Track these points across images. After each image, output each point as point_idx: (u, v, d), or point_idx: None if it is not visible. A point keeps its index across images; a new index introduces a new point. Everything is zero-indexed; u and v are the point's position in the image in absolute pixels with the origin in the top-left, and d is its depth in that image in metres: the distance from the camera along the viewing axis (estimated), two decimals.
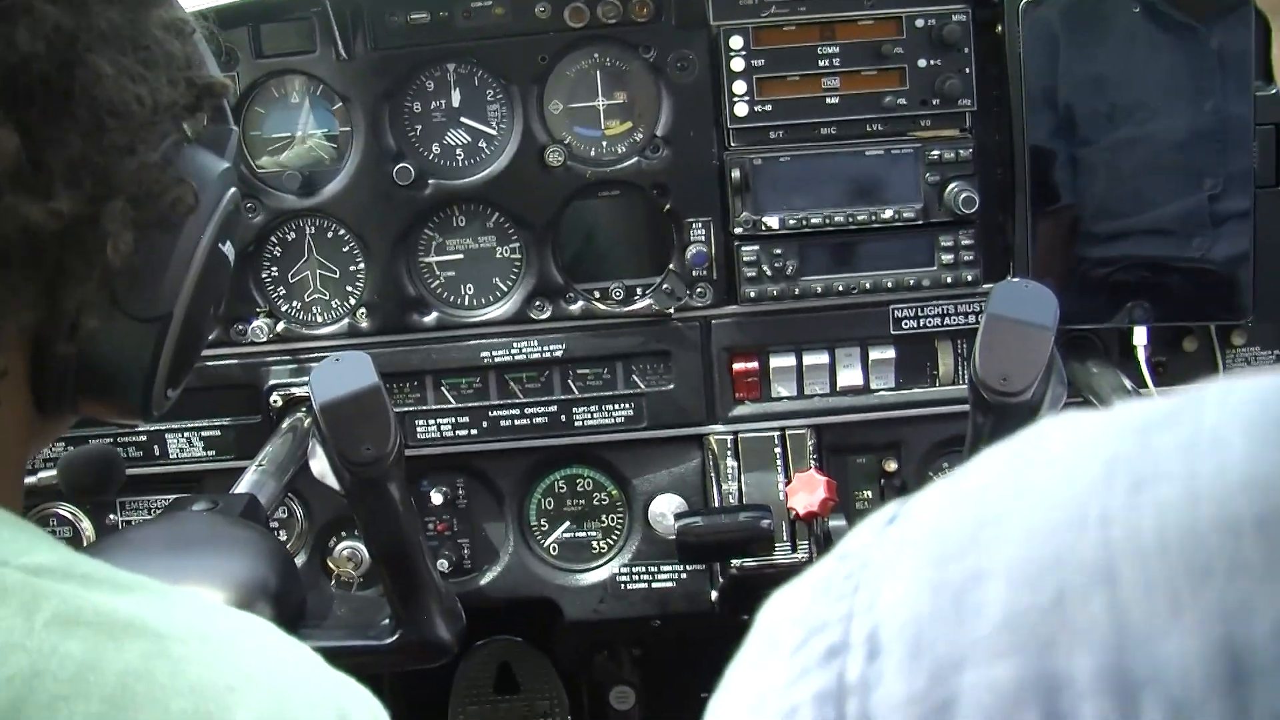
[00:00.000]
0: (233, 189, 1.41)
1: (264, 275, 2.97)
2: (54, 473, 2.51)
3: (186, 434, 2.97)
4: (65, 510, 3.04)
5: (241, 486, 2.55)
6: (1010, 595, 0.65)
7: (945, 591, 0.68)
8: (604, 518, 3.04)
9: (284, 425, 2.84)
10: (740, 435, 2.92)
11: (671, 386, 2.93)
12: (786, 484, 2.83)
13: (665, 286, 2.90)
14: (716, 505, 2.90)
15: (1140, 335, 2.77)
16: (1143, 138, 2.73)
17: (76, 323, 1.18)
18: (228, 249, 1.42)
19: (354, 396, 2.30)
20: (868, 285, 2.87)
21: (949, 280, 2.87)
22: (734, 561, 2.80)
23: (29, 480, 2.46)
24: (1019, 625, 0.64)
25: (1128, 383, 2.72)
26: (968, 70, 2.83)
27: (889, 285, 2.87)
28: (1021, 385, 2.27)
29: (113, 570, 1.11)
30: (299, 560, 2.98)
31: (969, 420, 2.40)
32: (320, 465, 2.41)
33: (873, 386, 2.93)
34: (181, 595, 1.14)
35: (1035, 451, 0.72)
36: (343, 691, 1.19)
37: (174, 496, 2.99)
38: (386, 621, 2.48)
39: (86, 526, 3.05)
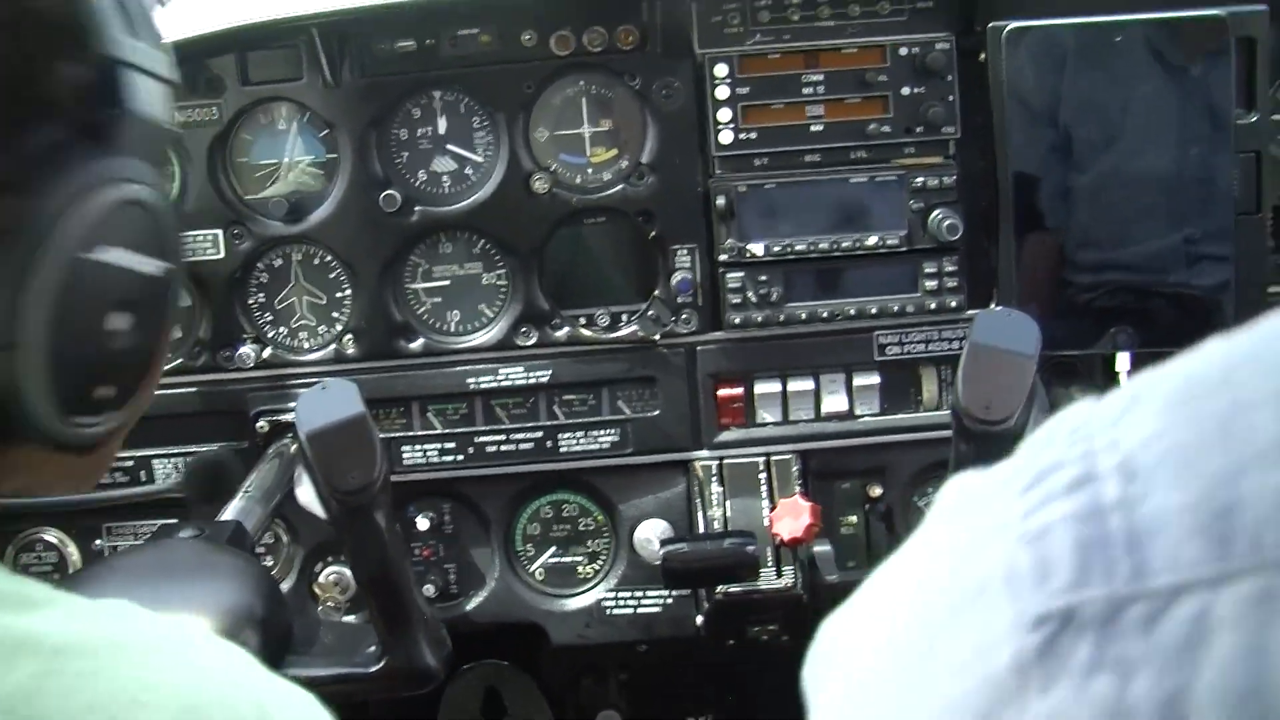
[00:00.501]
0: (125, 185, 1.24)
1: (250, 301, 2.99)
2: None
3: (172, 459, 2.98)
4: (51, 536, 3.06)
5: (228, 513, 2.56)
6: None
7: (1209, 421, 0.73)
8: (590, 543, 3.06)
9: (270, 451, 2.85)
10: (725, 461, 2.94)
11: (657, 412, 2.96)
12: (771, 510, 2.86)
13: (651, 313, 2.92)
14: (702, 531, 2.92)
15: (1123, 361, 2.79)
16: (1125, 168, 2.75)
17: None
18: (115, 256, 1.23)
19: (340, 425, 2.32)
20: (852, 312, 2.89)
21: (933, 306, 2.89)
22: (719, 587, 2.82)
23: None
24: None
25: None
26: (951, 98, 2.86)
27: (873, 312, 2.90)
28: (1004, 414, 2.30)
29: (23, 586, 1.06)
30: (285, 585, 3.01)
31: (951, 448, 2.43)
32: (306, 493, 2.44)
33: (857, 412, 2.96)
34: (102, 608, 1.10)
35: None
36: (269, 694, 1.15)
37: (159, 522, 3.02)
38: (372, 649, 2.49)
39: (72, 551, 3.07)
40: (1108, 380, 2.84)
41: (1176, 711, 0.67)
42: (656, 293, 2.94)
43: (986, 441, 2.34)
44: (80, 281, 1.18)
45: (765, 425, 2.95)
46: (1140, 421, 0.76)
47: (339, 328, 2.99)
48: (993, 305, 2.89)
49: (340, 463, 2.32)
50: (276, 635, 2.40)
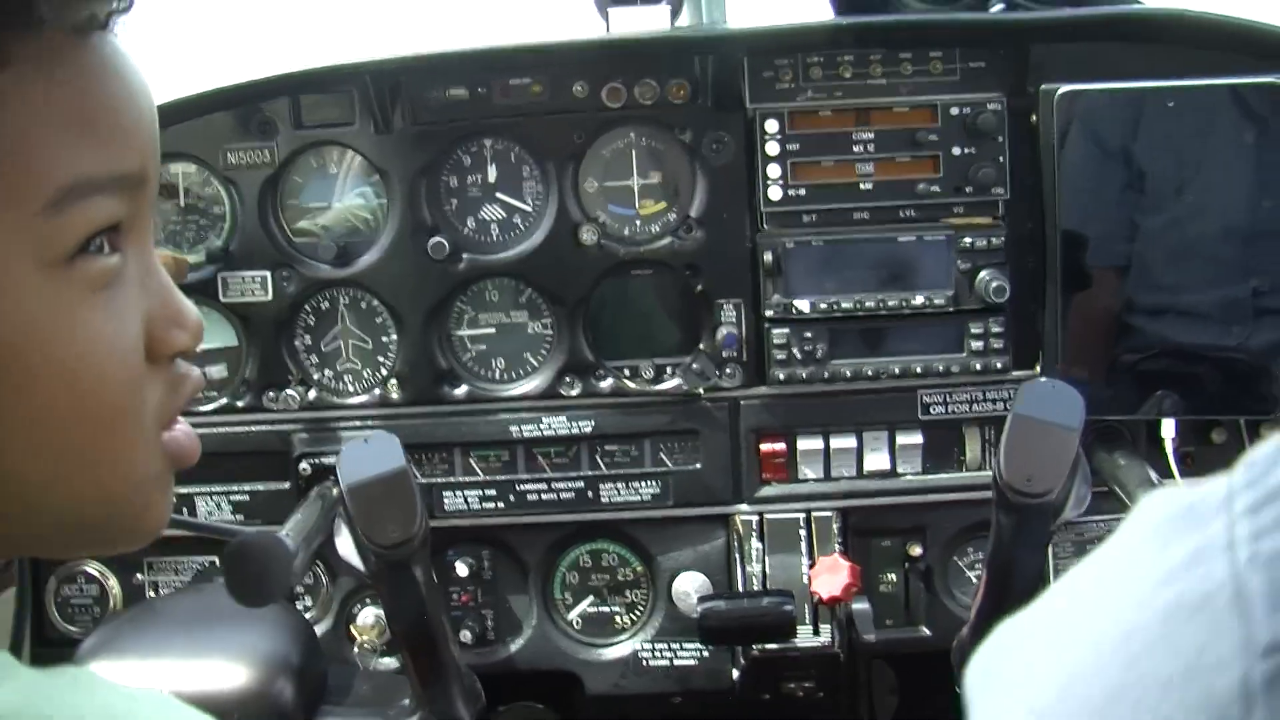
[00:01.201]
0: None
1: (297, 343, 3.03)
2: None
3: (215, 497, 3.02)
4: (93, 569, 3.09)
5: None
6: None
7: None
8: (628, 593, 3.08)
9: (312, 494, 2.88)
10: (766, 516, 2.95)
11: (699, 465, 2.97)
12: (811, 567, 2.88)
13: (695, 366, 2.95)
14: (740, 586, 2.93)
15: (1168, 427, 2.79)
16: (1176, 231, 2.75)
17: None
18: None
19: (381, 479, 2.35)
20: (897, 370, 2.91)
21: (978, 367, 2.90)
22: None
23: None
24: None
25: (1154, 475, 2.73)
26: (1001, 159, 2.87)
27: (918, 371, 2.91)
28: (1045, 487, 2.31)
29: None
30: (322, 627, 3.03)
31: (992, 519, 2.43)
32: (346, 545, 2.46)
33: (899, 471, 2.97)
34: (63, 681, 1.03)
35: None
36: None
37: (200, 558, 3.05)
38: (406, 701, 2.52)
39: (114, 584, 3.10)
40: (1152, 448, 2.84)
41: None
42: (701, 346, 2.97)
43: (1028, 514, 2.35)
44: None
45: (807, 481, 2.97)
46: None
47: (384, 372, 3.02)
48: (1038, 367, 2.90)
49: (380, 516, 2.35)
50: (311, 685, 2.43)
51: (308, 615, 3.00)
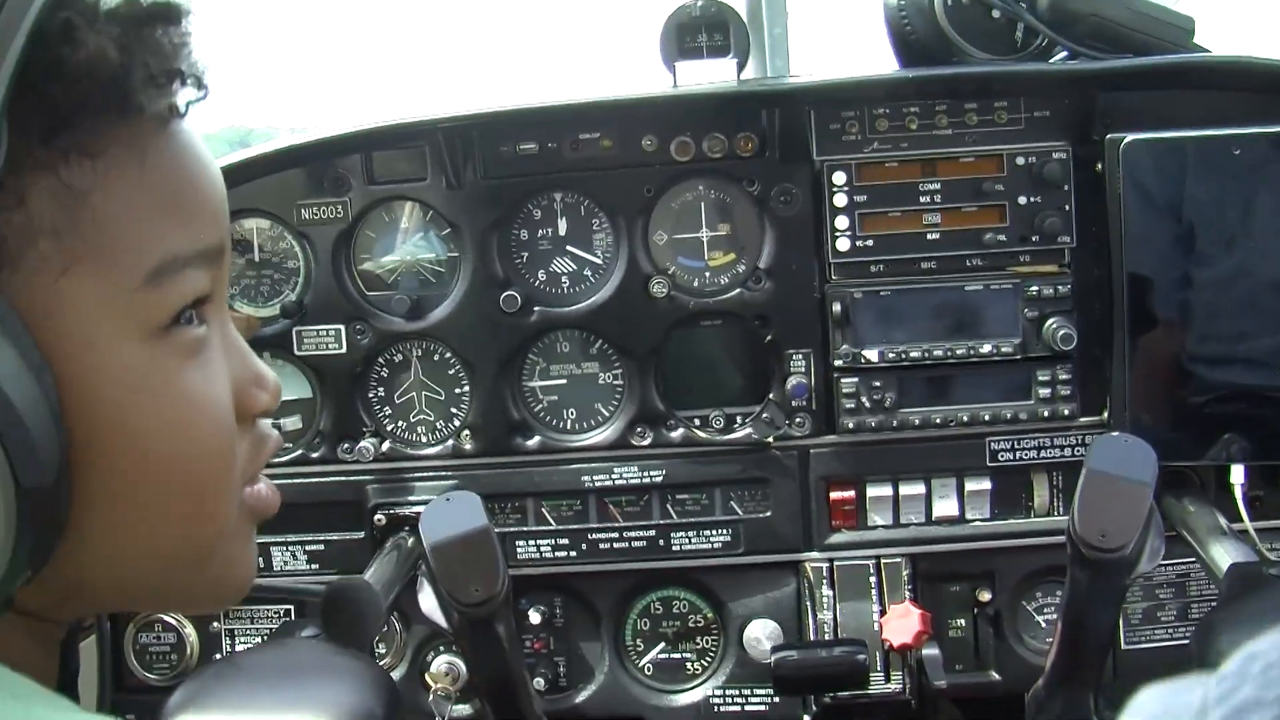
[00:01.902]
0: None
1: (371, 395, 3.09)
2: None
3: (290, 548, 3.08)
4: (171, 617, 3.15)
5: None
6: None
7: None
8: (699, 640, 3.12)
9: (388, 544, 2.94)
10: (836, 563, 2.99)
11: (769, 514, 3.02)
12: (881, 614, 2.92)
13: (765, 416, 2.99)
14: (812, 633, 2.98)
15: (1238, 473, 2.81)
16: (1243, 277, 2.77)
17: None
18: None
19: (464, 538, 2.40)
20: (965, 418, 2.94)
21: (1046, 414, 2.94)
22: None
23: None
24: None
25: (1223, 521, 2.76)
26: (1067, 208, 2.91)
27: (986, 418, 2.94)
28: (1120, 541, 2.34)
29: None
30: (397, 674, 3.09)
31: (1067, 575, 2.47)
32: (429, 603, 2.51)
33: (968, 517, 3.00)
34: None
35: None
36: None
37: (275, 608, 3.11)
38: None
39: (190, 633, 3.16)
40: (1221, 492, 2.86)
41: None
42: (771, 396, 3.01)
43: (1101, 568, 2.38)
44: None
45: (876, 528, 3.00)
46: None
47: (457, 423, 3.07)
48: (1105, 414, 2.93)
49: (463, 575, 2.40)
50: None
51: (382, 663, 3.06)
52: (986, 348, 2.92)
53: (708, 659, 3.12)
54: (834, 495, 3.00)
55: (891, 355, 2.92)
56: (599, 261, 3.03)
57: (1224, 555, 2.59)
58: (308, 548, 3.08)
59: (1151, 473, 2.35)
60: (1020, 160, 2.91)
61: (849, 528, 3.01)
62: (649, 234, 3.02)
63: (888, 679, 2.91)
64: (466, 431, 3.05)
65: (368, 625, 2.43)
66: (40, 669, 1.15)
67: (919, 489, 2.99)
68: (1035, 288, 2.91)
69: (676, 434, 3.03)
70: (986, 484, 2.99)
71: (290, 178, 3.01)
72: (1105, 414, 2.94)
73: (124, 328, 1.12)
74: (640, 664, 3.14)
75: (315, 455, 3.08)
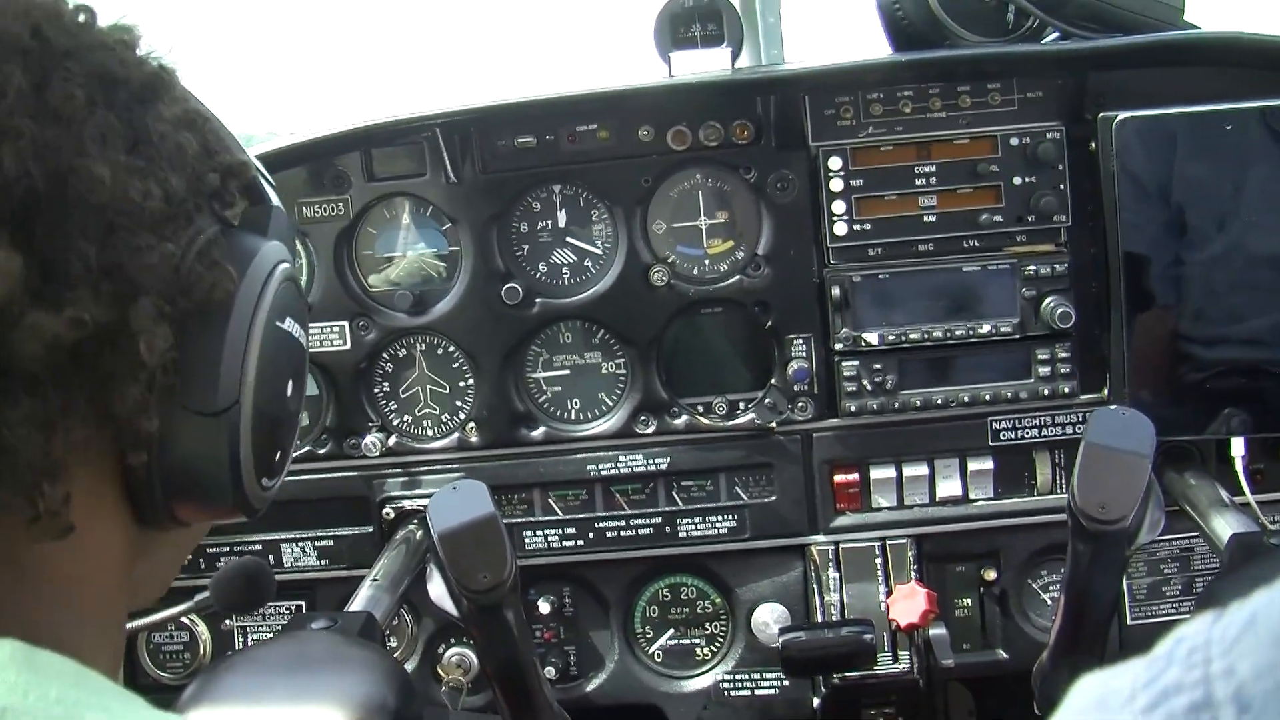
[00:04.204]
0: (283, 264, 1.39)
1: (376, 391, 3.15)
2: (207, 594, 2.60)
3: (300, 544, 3.14)
4: (183, 617, 3.19)
5: (357, 603, 2.68)
6: None
7: None
8: (707, 625, 3.18)
9: (397, 538, 2.99)
10: (841, 545, 3.05)
11: (774, 498, 3.08)
12: (887, 595, 2.98)
13: (767, 401, 3.05)
14: (819, 616, 3.04)
15: (1238, 445, 2.86)
16: (1238, 251, 2.82)
17: (137, 428, 1.18)
18: (290, 326, 1.40)
19: (471, 525, 2.45)
20: (966, 398, 3.01)
21: (1046, 392, 3.00)
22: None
23: (183, 606, 2.61)
24: None
25: (1224, 494, 2.81)
26: (1062, 187, 2.97)
27: (987, 398, 3.00)
28: (1119, 513, 2.39)
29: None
30: (410, 666, 3.15)
31: (1069, 547, 2.51)
32: (438, 590, 2.56)
33: (972, 497, 3.07)
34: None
35: None
36: None
37: (286, 604, 3.17)
38: None
39: (203, 631, 3.23)
40: (1222, 466, 2.92)
41: None
42: (773, 381, 3.07)
43: (1103, 541, 2.43)
44: (274, 348, 1.33)
45: (880, 510, 3.07)
46: (1255, 651, 0.83)
47: (462, 416, 3.14)
48: (1105, 390, 2.98)
49: (471, 563, 2.45)
50: None
51: (394, 655, 3.10)
52: (985, 328, 2.98)
53: (717, 644, 3.18)
54: (838, 478, 3.06)
55: (891, 338, 2.98)
56: (599, 252, 3.09)
57: (1225, 526, 2.64)
58: (317, 544, 3.13)
59: (1149, 444, 2.39)
60: (1014, 141, 2.97)
61: (853, 510, 3.07)
62: (648, 223, 3.08)
63: (895, 659, 2.96)
64: (472, 424, 3.11)
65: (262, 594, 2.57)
66: (108, 667, 1.24)
67: (922, 470, 3.05)
68: (1032, 267, 2.97)
69: (680, 421, 3.09)
70: (989, 463, 3.05)
71: (291, 177, 3.06)
72: (1105, 391, 2.99)
73: None
74: (650, 651, 3.20)
75: (323, 451, 3.14)
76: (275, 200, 1.47)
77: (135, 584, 1.33)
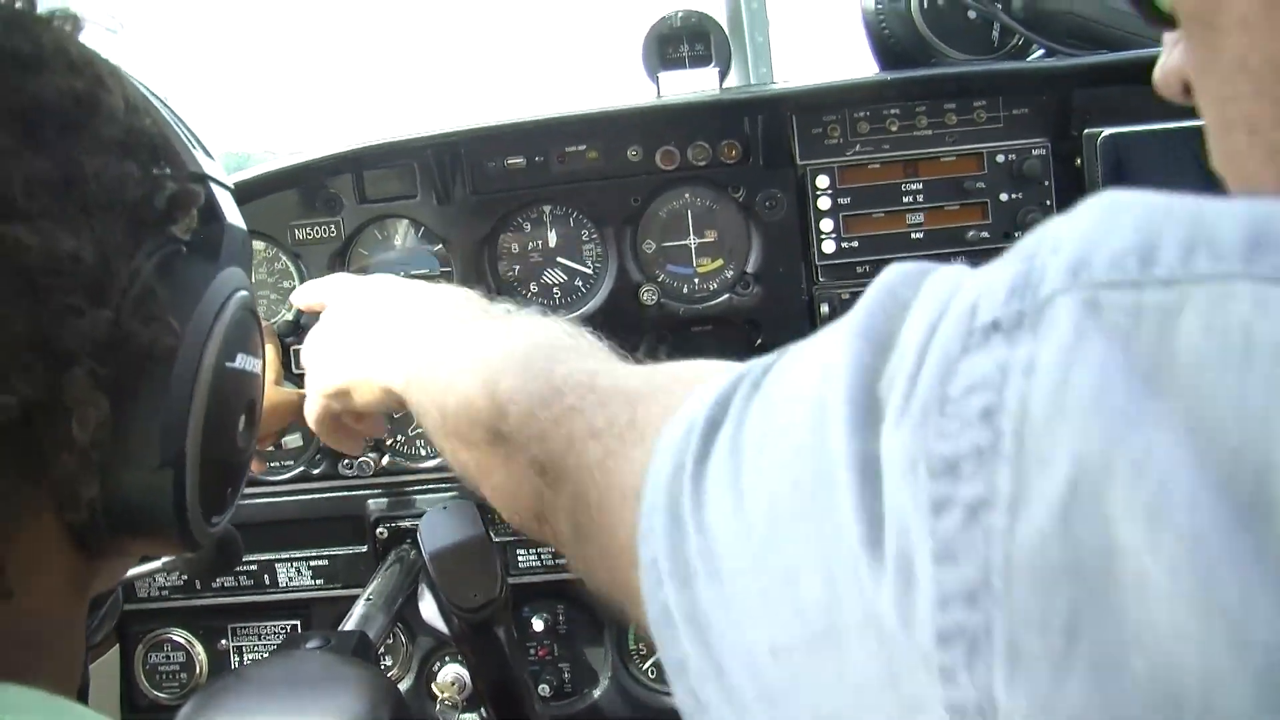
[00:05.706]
0: (238, 293, 1.30)
1: None
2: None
3: (295, 564, 3.17)
4: (179, 636, 3.25)
5: (351, 621, 2.71)
6: None
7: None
8: None
9: (390, 557, 3.02)
10: None
11: None
12: None
13: None
14: None
15: None
16: None
17: (75, 493, 1.11)
18: (242, 362, 1.32)
19: (461, 545, 2.50)
20: None
21: None
22: None
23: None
24: None
25: None
26: (1048, 203, 2.99)
27: None
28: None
29: None
30: (405, 684, 3.19)
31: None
32: (430, 609, 2.61)
33: None
34: None
35: None
36: None
37: (283, 623, 3.20)
38: None
39: (200, 651, 3.26)
40: None
41: None
42: None
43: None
44: (224, 389, 1.26)
45: None
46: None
47: None
48: None
49: (462, 581, 2.49)
50: None
51: (389, 674, 3.14)
52: None
53: None
54: None
55: None
56: (589, 271, 3.13)
57: None
58: (312, 564, 3.17)
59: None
60: (1000, 158, 3.01)
61: None
62: (638, 243, 3.11)
63: None
64: None
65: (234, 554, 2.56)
66: (64, 687, 1.23)
67: None
68: None
69: None
70: None
71: (284, 199, 3.10)
72: None
73: None
74: (644, 667, 3.23)
75: (316, 472, 3.17)
76: (231, 215, 1.38)
77: (91, 588, 1.30)
